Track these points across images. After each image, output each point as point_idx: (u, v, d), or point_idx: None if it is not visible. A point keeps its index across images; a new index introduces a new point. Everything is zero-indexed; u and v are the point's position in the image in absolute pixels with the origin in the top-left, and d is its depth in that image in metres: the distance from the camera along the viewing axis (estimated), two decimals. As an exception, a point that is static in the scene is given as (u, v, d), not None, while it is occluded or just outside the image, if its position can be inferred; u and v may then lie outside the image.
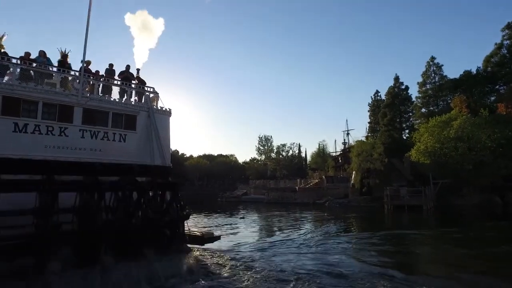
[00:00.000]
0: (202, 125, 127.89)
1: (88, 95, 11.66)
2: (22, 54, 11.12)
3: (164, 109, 13.84)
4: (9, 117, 9.90)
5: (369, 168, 41.50)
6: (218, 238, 13.83)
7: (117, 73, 13.44)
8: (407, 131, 51.08)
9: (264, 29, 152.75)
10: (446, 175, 33.59)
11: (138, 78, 14.02)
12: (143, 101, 13.41)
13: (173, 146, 64.90)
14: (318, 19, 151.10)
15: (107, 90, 12.54)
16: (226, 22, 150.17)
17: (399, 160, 40.66)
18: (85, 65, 11.77)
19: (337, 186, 47.34)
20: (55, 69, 11.62)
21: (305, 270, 10.59)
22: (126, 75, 13.25)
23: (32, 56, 11.32)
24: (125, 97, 12.91)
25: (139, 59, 15.67)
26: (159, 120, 13.30)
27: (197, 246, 12.94)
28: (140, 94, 13.47)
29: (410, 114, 52.14)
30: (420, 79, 51.23)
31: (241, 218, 28.23)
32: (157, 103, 13.78)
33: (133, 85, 13.40)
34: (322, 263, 11.55)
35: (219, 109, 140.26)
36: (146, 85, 13.83)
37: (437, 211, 30.32)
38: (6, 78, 10.38)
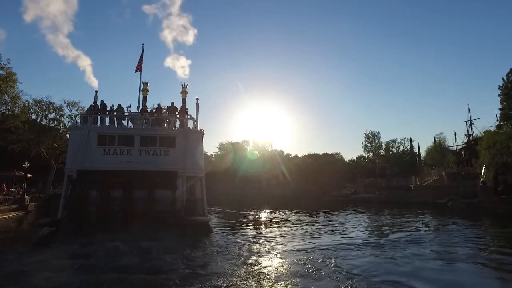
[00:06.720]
0: (308, 126, 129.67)
1: (144, 126, 18.31)
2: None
3: (197, 129, 19.09)
4: (101, 146, 17.40)
5: (506, 163, 35.34)
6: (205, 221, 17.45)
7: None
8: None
9: (363, 22, 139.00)
10: None
11: (182, 108, 19.71)
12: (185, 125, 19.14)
13: (278, 147, 70.58)
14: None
15: (158, 121, 18.88)
16: (322, 16, 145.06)
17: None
18: (142, 107, 18.52)
19: (462, 184, 41.92)
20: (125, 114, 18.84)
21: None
22: (171, 109, 19.28)
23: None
24: (171, 124, 18.97)
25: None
26: (193, 138, 18.65)
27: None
28: (181, 120, 19.27)
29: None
30: None
31: (423, 223, 21.81)
32: (193, 126, 19.16)
33: (176, 114, 19.33)
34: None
35: (322, 107, 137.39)
36: (188, 113, 19.46)
37: None
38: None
